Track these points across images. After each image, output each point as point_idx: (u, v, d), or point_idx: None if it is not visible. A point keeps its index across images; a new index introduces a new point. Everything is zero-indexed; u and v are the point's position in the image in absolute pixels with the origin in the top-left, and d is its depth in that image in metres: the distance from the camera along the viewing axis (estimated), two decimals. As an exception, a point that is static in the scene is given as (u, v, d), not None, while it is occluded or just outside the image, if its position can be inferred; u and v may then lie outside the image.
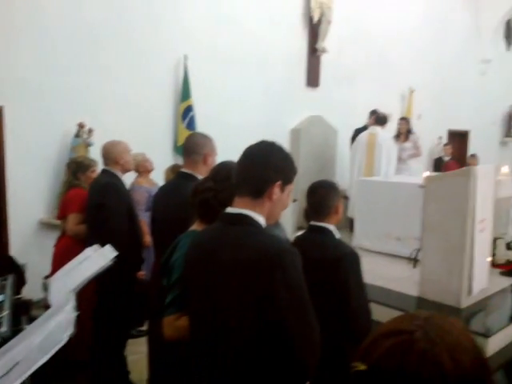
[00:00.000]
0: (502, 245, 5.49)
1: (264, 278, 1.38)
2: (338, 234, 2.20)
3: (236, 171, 1.57)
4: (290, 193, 1.58)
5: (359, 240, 6.07)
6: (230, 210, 1.53)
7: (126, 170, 3.55)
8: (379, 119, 6.76)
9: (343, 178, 7.62)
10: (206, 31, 5.91)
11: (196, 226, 1.89)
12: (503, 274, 4.95)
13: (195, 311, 1.59)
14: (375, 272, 5.00)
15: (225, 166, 1.90)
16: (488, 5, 10.63)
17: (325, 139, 7.53)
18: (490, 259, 4.42)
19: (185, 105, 5.61)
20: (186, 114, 5.62)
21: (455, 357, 0.70)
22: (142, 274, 3.66)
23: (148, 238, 3.78)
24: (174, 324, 1.72)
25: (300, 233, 2.94)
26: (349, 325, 2.05)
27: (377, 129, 6.63)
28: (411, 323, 0.75)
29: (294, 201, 5.63)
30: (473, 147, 11.06)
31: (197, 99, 5.69)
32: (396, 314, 3.06)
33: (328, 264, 2.06)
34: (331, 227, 2.19)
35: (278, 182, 1.50)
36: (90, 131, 4.93)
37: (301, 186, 7.71)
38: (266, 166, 1.50)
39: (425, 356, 0.69)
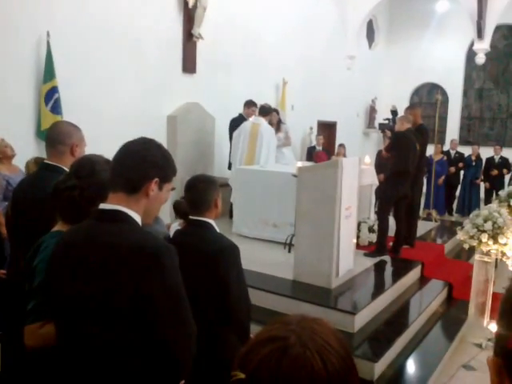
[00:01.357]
0: (365, 228, 6.01)
1: (139, 277, 1.33)
2: (217, 228, 2.18)
3: (111, 166, 1.51)
4: (168, 191, 1.54)
5: (238, 227, 6.18)
6: (103, 206, 1.46)
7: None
8: (263, 110, 6.90)
9: (222, 165, 7.67)
10: (72, 6, 5.43)
11: (60, 227, 1.73)
12: (366, 255, 5.43)
13: (62, 317, 1.48)
14: (253, 258, 5.13)
15: (87, 161, 1.78)
16: (353, 5, 11.45)
17: (202, 126, 7.48)
18: (354, 242, 4.80)
19: (48, 86, 5.09)
20: (49, 97, 5.11)
21: (325, 358, 0.74)
22: (3, 272, 3.33)
23: (4, 230, 3.44)
24: (38, 332, 1.59)
25: (177, 223, 2.87)
26: (229, 316, 2.06)
27: (260, 119, 6.76)
28: (285, 329, 0.78)
29: (173, 189, 5.52)
30: (339, 137, 11.91)
31: (62, 81, 5.21)
32: (273, 297, 3.17)
33: (208, 258, 2.05)
34: (211, 221, 2.17)
35: (155, 179, 1.47)
36: None
37: (180, 175, 7.55)
38: (143, 161, 1.46)
39: (298, 360, 0.73)
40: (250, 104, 7.11)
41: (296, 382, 0.71)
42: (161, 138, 6.85)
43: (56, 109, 5.17)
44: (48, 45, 5.09)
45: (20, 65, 5.04)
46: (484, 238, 4.24)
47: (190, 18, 7.00)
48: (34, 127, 5.23)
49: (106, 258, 1.37)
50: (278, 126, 7.85)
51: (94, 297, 1.37)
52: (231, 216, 6.50)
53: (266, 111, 6.89)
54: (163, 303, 1.36)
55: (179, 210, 2.35)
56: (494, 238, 4.24)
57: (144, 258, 1.34)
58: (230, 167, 7.05)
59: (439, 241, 6.95)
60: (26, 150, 4.80)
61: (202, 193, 2.12)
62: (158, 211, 1.60)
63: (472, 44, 11.50)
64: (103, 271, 1.37)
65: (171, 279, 1.39)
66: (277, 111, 8.09)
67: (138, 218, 1.46)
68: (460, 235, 4.49)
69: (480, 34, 10.67)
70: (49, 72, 5.11)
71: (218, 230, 2.18)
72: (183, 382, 1.52)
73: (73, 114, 5.15)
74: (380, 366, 3.56)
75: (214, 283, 2.04)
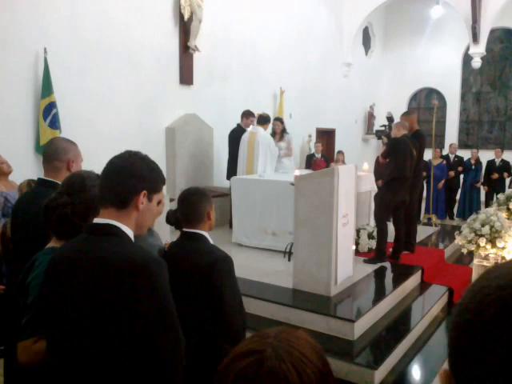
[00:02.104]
0: (364, 235, 6.01)
1: (128, 291, 1.35)
2: (211, 240, 2.20)
3: (100, 183, 1.53)
4: (161, 203, 1.57)
5: (237, 237, 6.20)
6: (96, 220, 1.49)
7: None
8: (261, 119, 6.96)
9: (221, 176, 7.70)
10: (69, 23, 5.51)
11: (54, 243, 1.75)
12: (366, 261, 5.43)
13: (54, 332, 1.50)
14: (253, 267, 5.16)
15: (78, 177, 1.81)
16: (348, 12, 11.54)
17: (201, 137, 7.53)
18: (354, 248, 4.80)
19: (46, 101, 5.16)
20: (47, 112, 5.18)
21: (300, 370, 0.75)
22: (2, 287, 3.35)
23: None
24: (31, 348, 1.60)
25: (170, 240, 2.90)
26: (223, 327, 2.07)
27: (258, 128, 6.82)
28: (262, 342, 0.79)
29: (172, 200, 5.56)
30: (339, 144, 11.95)
31: (61, 96, 5.28)
32: (273, 307, 3.17)
33: (202, 269, 2.06)
34: (204, 233, 2.19)
35: (144, 192, 1.50)
36: None
37: (179, 185, 7.54)
38: (129, 176, 1.48)
39: (273, 373, 0.74)
40: (247, 114, 7.16)
41: None
42: (159, 150, 6.94)
43: (54, 124, 5.23)
44: (45, 61, 5.15)
45: (18, 81, 5.10)
46: (482, 242, 4.24)
47: (185, 30, 7.08)
48: (33, 142, 5.29)
49: (95, 271, 1.39)
50: (281, 135, 7.87)
51: (84, 311, 1.39)
52: (231, 226, 6.52)
53: (263, 120, 6.94)
54: (152, 317, 1.37)
55: (170, 220, 2.37)
56: (491, 242, 4.25)
57: (133, 271, 1.36)
58: (228, 177, 7.08)
59: (439, 245, 6.95)
60: (25, 165, 4.86)
61: (195, 205, 2.15)
62: (152, 222, 1.62)
63: (468, 48, 11.56)
64: (93, 285, 1.39)
65: (160, 293, 1.41)
66: (281, 120, 8.10)
67: (129, 231, 1.49)
68: (458, 240, 4.49)
69: (475, 38, 10.74)
70: (46, 87, 5.18)
71: (211, 242, 2.20)
72: None
73: (71, 128, 5.22)
74: (380, 373, 3.55)
75: (207, 295, 2.05)
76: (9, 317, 2.11)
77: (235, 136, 7.01)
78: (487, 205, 9.48)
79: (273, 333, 0.81)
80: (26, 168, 4.65)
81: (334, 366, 3.64)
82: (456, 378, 0.54)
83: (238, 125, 7.22)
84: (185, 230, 2.19)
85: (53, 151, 2.48)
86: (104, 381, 1.39)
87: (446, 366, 0.57)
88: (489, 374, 0.49)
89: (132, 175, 1.48)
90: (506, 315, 0.50)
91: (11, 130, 5.02)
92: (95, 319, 1.38)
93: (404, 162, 5.23)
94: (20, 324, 1.65)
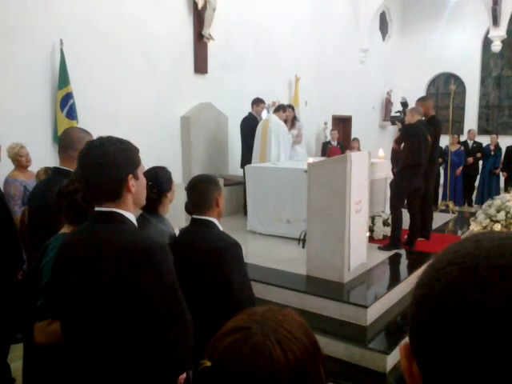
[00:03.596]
0: (379, 221, 5.99)
1: (132, 275, 1.38)
2: (220, 226, 2.24)
3: (83, 183, 1.53)
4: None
5: (252, 224, 6.24)
6: (99, 208, 1.51)
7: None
8: (277, 107, 6.98)
9: (236, 165, 7.73)
10: (84, 14, 5.57)
11: (66, 229, 1.82)
12: (381, 248, 5.42)
13: (66, 314, 1.56)
14: (267, 254, 5.21)
15: None
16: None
17: (216, 126, 7.56)
18: (368, 235, 4.80)
19: (63, 92, 5.25)
20: (64, 102, 5.27)
21: (285, 347, 0.77)
22: (21, 274, 3.47)
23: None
24: (47, 330, 1.68)
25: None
26: (232, 313, 2.11)
27: (271, 116, 6.83)
28: (249, 319, 0.81)
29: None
30: (355, 131, 11.85)
31: (77, 86, 5.37)
32: (288, 293, 3.19)
33: (210, 255, 2.10)
34: (213, 220, 2.23)
35: (130, 176, 1.50)
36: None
37: (194, 174, 7.64)
38: (109, 171, 1.46)
39: (258, 349, 0.76)
40: (258, 101, 7.19)
41: (256, 370, 0.74)
42: (175, 139, 7.00)
43: (71, 114, 5.32)
44: (61, 52, 5.23)
45: (35, 72, 5.20)
46: (497, 228, 4.20)
47: (199, 19, 7.08)
48: (51, 133, 5.39)
49: (101, 257, 1.43)
50: (292, 122, 7.85)
51: (91, 295, 1.43)
52: (246, 213, 6.57)
53: (277, 108, 6.96)
54: (158, 301, 1.40)
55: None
56: (507, 228, 4.21)
57: (136, 255, 1.39)
58: (242, 165, 7.11)
59: (456, 232, 6.88)
60: (44, 155, 4.95)
61: (203, 192, 2.18)
62: (146, 193, 1.64)
63: (488, 31, 11.27)
64: (99, 270, 1.42)
65: (165, 277, 1.43)
66: (292, 107, 8.09)
67: (131, 216, 1.52)
68: (473, 226, 4.46)
69: (496, 20, 10.47)
70: (63, 78, 5.26)
71: (221, 228, 2.23)
72: (185, 375, 1.58)
73: (88, 118, 5.30)
74: (393, 358, 3.57)
75: (216, 280, 2.09)
76: (26, 300, 2.20)
77: (247, 124, 7.03)
78: (507, 191, 9.32)
79: (260, 311, 0.84)
80: (45, 158, 4.74)
81: (347, 351, 3.69)
82: (413, 351, 0.56)
83: (250, 113, 7.23)
84: (194, 216, 2.23)
85: (68, 140, 2.55)
86: (115, 362, 1.43)
87: (406, 339, 0.60)
88: (438, 347, 0.51)
89: (112, 168, 1.46)
90: (452, 290, 0.51)
91: (29, 120, 5.13)
92: (102, 303, 1.41)
93: (418, 149, 5.17)
94: (35, 306, 1.72)
